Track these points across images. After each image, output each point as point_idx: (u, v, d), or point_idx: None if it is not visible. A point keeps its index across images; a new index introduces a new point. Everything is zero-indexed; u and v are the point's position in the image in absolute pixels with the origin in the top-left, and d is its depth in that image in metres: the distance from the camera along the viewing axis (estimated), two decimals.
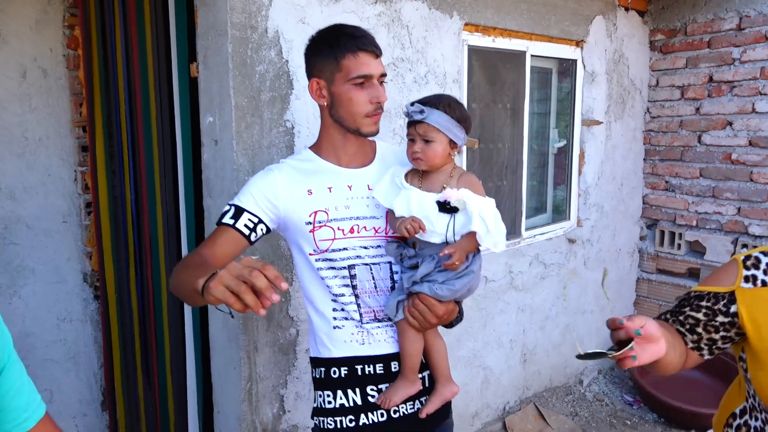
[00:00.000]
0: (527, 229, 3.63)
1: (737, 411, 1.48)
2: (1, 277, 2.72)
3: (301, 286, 1.69)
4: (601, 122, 3.90)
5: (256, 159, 2.16)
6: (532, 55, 3.43)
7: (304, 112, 2.28)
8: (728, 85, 3.84)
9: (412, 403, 1.66)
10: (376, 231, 1.61)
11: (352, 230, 1.59)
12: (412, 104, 1.54)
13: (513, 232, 3.57)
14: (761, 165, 3.74)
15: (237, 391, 2.28)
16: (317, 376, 1.68)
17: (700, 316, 1.37)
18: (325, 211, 1.58)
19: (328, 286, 1.61)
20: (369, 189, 1.62)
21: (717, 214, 3.98)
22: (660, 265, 4.35)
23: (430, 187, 1.56)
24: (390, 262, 1.63)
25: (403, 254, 1.59)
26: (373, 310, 1.62)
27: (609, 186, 4.09)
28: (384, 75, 1.59)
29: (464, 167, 3.14)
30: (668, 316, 1.44)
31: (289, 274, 2.29)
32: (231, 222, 1.54)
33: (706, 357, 1.41)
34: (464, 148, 3.15)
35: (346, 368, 1.63)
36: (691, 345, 1.39)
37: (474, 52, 3.11)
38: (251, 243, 1.57)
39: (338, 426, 1.63)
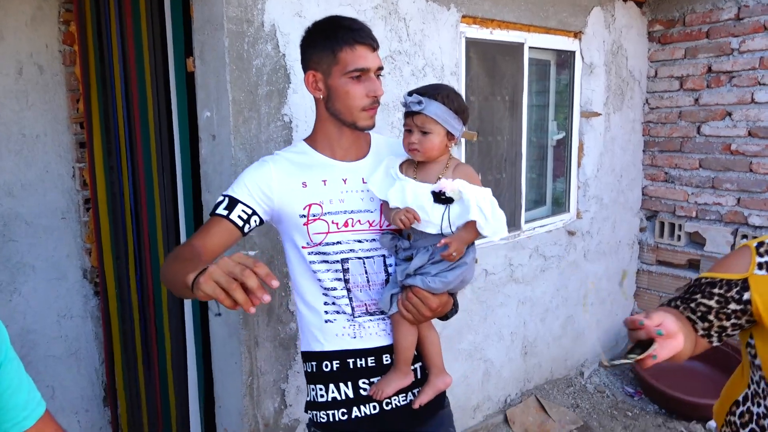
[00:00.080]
0: (527, 221, 3.63)
1: (740, 398, 1.48)
2: (1, 274, 2.71)
3: (292, 280, 1.68)
4: (600, 114, 3.89)
5: (254, 154, 2.15)
6: (530, 47, 3.42)
7: (302, 106, 2.27)
8: (727, 76, 3.83)
9: (404, 395, 1.66)
10: (371, 224, 1.61)
11: (346, 224, 1.58)
12: (410, 94, 1.53)
13: (512, 224, 3.56)
14: (761, 155, 3.73)
15: (238, 386, 2.28)
16: (309, 370, 1.68)
17: (712, 303, 1.35)
18: (320, 204, 1.57)
19: (319, 280, 1.60)
20: (364, 182, 1.62)
21: (717, 204, 3.97)
22: (660, 257, 4.35)
23: (425, 177, 1.56)
24: (383, 256, 1.62)
25: (398, 246, 1.59)
26: (365, 304, 1.62)
27: (608, 178, 4.09)
28: (381, 68, 1.58)
29: (463, 160, 3.13)
30: (678, 303, 1.42)
31: (288, 269, 2.29)
32: (225, 213, 1.53)
33: (715, 344, 1.40)
34: (463, 141, 3.14)
35: (338, 362, 1.63)
36: (701, 332, 1.37)
37: (472, 44, 3.10)
38: (244, 234, 1.56)
39: (331, 419, 1.63)
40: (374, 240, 1.61)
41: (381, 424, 1.64)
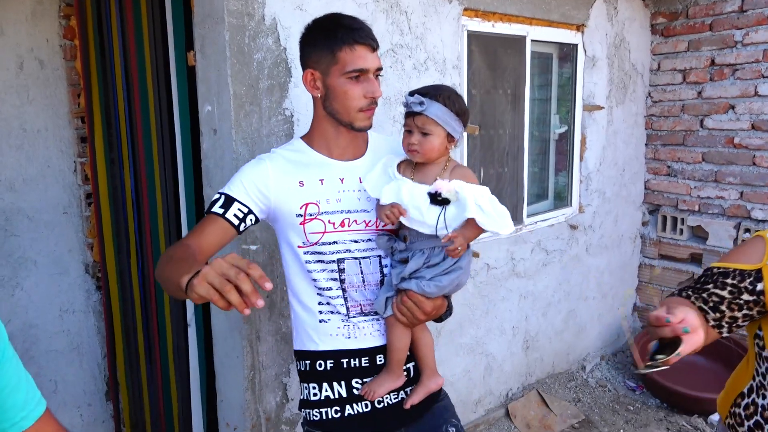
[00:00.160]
0: (529, 215, 3.62)
1: (745, 390, 1.47)
2: (3, 269, 2.72)
3: (286, 279, 1.68)
4: (603, 107, 3.88)
5: (255, 148, 2.14)
6: (532, 40, 3.40)
7: (303, 100, 2.26)
8: (730, 69, 3.82)
9: (396, 393, 1.67)
10: (367, 225, 1.60)
11: (342, 223, 1.58)
12: (412, 94, 1.52)
13: (515, 218, 3.54)
14: (764, 148, 3.72)
15: (240, 380, 2.28)
16: (302, 369, 1.68)
17: (725, 294, 1.35)
18: (316, 204, 1.57)
19: (314, 280, 1.60)
20: (361, 182, 1.61)
21: (719, 198, 3.96)
22: (662, 251, 4.34)
23: (423, 178, 1.55)
24: (379, 256, 1.62)
25: (394, 248, 1.58)
26: (360, 304, 1.62)
27: (611, 171, 4.07)
28: (380, 69, 1.57)
29: (465, 154, 3.13)
30: (690, 293, 1.41)
31: (282, 268, 2.29)
32: (221, 211, 1.52)
33: (724, 335, 1.39)
34: (465, 135, 3.13)
35: (331, 361, 1.63)
36: (712, 323, 1.36)
37: (474, 37, 3.08)
38: (240, 233, 1.55)
39: (324, 417, 1.64)
40: (370, 240, 1.61)
41: (374, 421, 1.65)
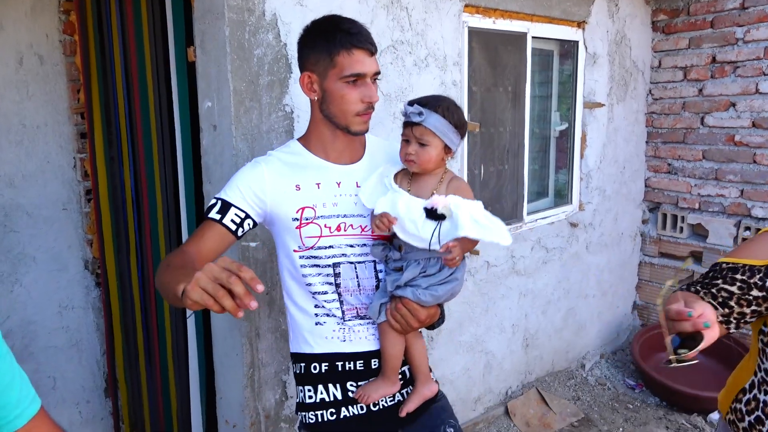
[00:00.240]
0: (529, 213, 3.61)
1: (746, 386, 1.47)
2: (2, 265, 2.71)
3: (282, 282, 1.68)
4: (603, 104, 3.87)
5: (255, 144, 2.14)
6: (533, 37, 3.39)
7: (303, 96, 2.22)
8: (731, 66, 3.81)
9: (391, 397, 1.67)
10: (363, 229, 1.60)
11: (339, 228, 1.57)
12: (411, 104, 1.52)
13: (515, 216, 3.55)
14: (765, 146, 3.71)
15: (239, 378, 2.27)
16: (298, 372, 1.68)
17: (734, 289, 1.34)
18: (313, 208, 1.56)
19: (309, 284, 1.60)
20: (357, 186, 1.61)
21: (720, 196, 3.95)
22: (662, 249, 4.33)
23: (419, 190, 1.55)
24: (374, 261, 1.62)
25: (389, 257, 1.58)
26: (356, 308, 1.62)
27: (611, 169, 4.07)
28: (378, 73, 1.56)
29: (465, 151, 3.12)
30: (699, 288, 1.40)
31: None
32: (218, 217, 1.51)
33: (732, 330, 1.39)
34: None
35: (326, 364, 1.63)
36: (720, 319, 1.35)
37: (474, 34, 3.07)
38: (238, 238, 1.55)
39: (319, 419, 1.63)
40: (366, 245, 1.60)
41: (369, 424, 1.65)
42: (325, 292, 1.60)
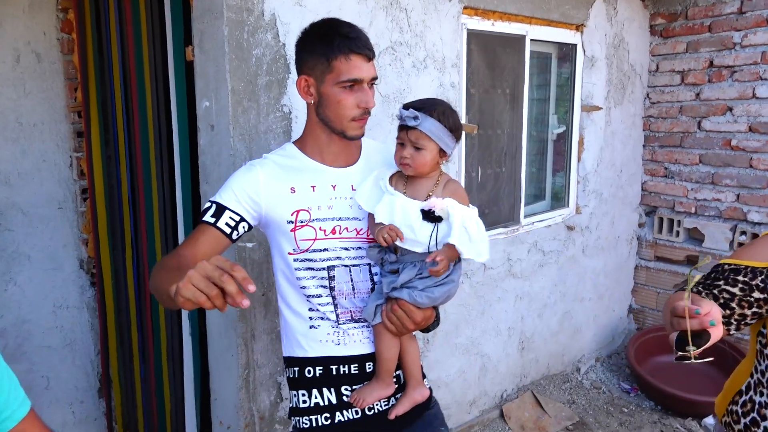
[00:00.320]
0: (526, 216, 3.61)
1: (743, 388, 1.47)
2: None
3: (276, 284, 1.67)
4: (601, 108, 3.88)
5: (252, 144, 2.13)
6: (531, 40, 3.39)
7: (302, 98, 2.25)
8: (729, 70, 3.82)
9: (386, 400, 1.66)
10: (358, 233, 1.60)
11: (333, 231, 1.57)
12: (406, 108, 1.52)
13: (512, 218, 3.55)
14: (761, 151, 3.72)
15: (234, 379, 2.26)
16: (291, 376, 1.67)
17: (736, 290, 1.34)
18: (308, 211, 1.56)
19: (304, 287, 1.59)
20: (353, 189, 1.61)
21: (716, 200, 3.96)
22: (658, 253, 4.34)
23: (414, 193, 1.55)
24: (369, 264, 1.62)
25: (385, 259, 1.58)
26: (350, 311, 1.61)
27: (608, 173, 4.07)
28: (375, 79, 1.56)
29: (463, 153, 3.12)
30: (700, 288, 1.40)
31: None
32: (212, 220, 1.51)
33: (732, 332, 1.39)
34: (463, 134, 3.12)
35: (321, 368, 1.62)
36: (722, 320, 1.36)
37: (473, 36, 3.07)
38: (233, 241, 1.54)
39: (314, 424, 1.62)
40: (361, 248, 1.60)
41: (364, 429, 1.64)
42: (320, 296, 1.59)
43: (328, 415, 1.62)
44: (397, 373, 1.68)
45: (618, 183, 4.17)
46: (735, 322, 1.36)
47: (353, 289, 1.60)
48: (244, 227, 1.55)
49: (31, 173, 2.74)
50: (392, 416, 1.64)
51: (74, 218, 2.91)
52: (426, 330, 1.68)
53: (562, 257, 3.83)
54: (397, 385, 1.67)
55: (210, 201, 1.54)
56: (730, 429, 1.50)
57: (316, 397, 1.63)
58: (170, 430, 2.85)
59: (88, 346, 3.02)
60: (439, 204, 1.48)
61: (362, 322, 1.62)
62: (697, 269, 1.18)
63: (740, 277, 1.34)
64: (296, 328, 1.64)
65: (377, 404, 1.64)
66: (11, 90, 2.64)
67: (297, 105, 2.25)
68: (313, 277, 1.58)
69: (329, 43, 1.49)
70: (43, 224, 2.80)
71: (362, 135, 1.59)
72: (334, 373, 1.63)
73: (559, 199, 3.96)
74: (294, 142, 1.67)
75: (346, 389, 1.63)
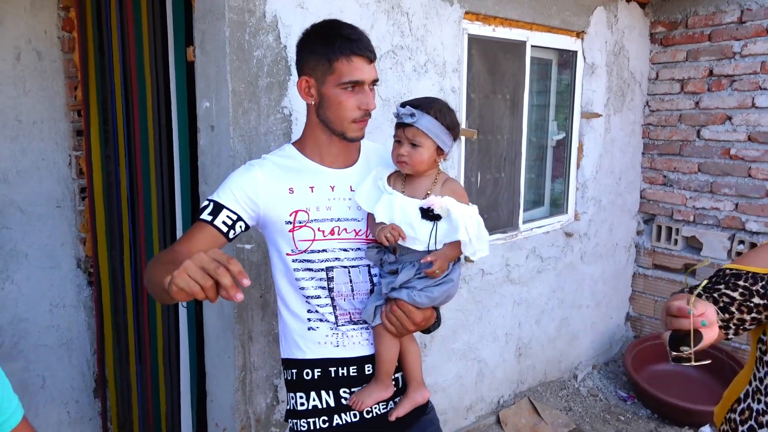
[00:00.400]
0: (524, 222, 3.61)
1: (741, 395, 1.47)
2: None
3: (275, 285, 1.67)
4: (601, 115, 3.88)
5: (252, 146, 2.13)
6: (532, 46, 3.40)
7: (302, 99, 2.24)
8: (728, 79, 3.83)
9: (385, 403, 1.65)
10: (357, 233, 1.59)
11: (332, 232, 1.57)
12: (403, 105, 1.52)
13: (510, 224, 3.55)
14: (760, 160, 3.72)
15: (231, 381, 2.26)
16: (289, 378, 1.67)
17: (736, 295, 1.34)
18: (306, 211, 1.56)
19: (302, 288, 1.59)
20: (352, 190, 1.60)
21: (714, 209, 3.96)
22: (656, 261, 4.34)
23: (413, 192, 1.55)
24: (368, 265, 1.61)
25: (383, 260, 1.58)
26: (349, 313, 1.61)
27: (607, 180, 4.08)
28: (376, 81, 1.56)
29: (462, 158, 3.12)
30: (701, 291, 1.40)
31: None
32: (209, 219, 1.50)
33: (731, 336, 1.39)
34: (462, 139, 3.13)
35: (319, 370, 1.62)
36: (720, 323, 1.35)
37: (474, 41, 3.08)
38: (229, 240, 1.54)
39: (311, 427, 1.62)
40: (359, 249, 1.60)
41: (362, 431, 1.63)
42: (318, 297, 1.59)
43: (326, 417, 1.61)
44: (396, 376, 1.67)
45: (617, 190, 4.17)
46: (733, 327, 1.36)
47: (352, 290, 1.59)
48: (241, 227, 1.54)
49: (30, 171, 2.74)
50: (393, 418, 1.63)
51: (72, 217, 2.91)
52: (427, 331, 1.67)
53: (560, 264, 3.83)
54: (396, 388, 1.66)
55: (208, 199, 1.54)
56: None
57: (314, 400, 1.62)
58: (165, 431, 2.84)
59: (85, 345, 3.01)
60: (438, 202, 1.48)
61: (361, 323, 1.62)
62: (695, 272, 1.19)
63: (741, 282, 1.34)
64: (295, 329, 1.63)
65: (376, 407, 1.64)
66: (11, 88, 2.64)
67: (297, 107, 2.25)
68: (312, 278, 1.57)
69: (331, 44, 1.49)
70: (41, 222, 2.80)
71: (362, 137, 1.59)
72: (333, 375, 1.62)
73: (557, 206, 3.96)
74: (293, 143, 1.67)
75: (344, 392, 1.62)
